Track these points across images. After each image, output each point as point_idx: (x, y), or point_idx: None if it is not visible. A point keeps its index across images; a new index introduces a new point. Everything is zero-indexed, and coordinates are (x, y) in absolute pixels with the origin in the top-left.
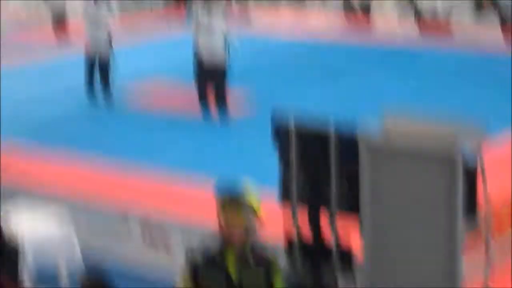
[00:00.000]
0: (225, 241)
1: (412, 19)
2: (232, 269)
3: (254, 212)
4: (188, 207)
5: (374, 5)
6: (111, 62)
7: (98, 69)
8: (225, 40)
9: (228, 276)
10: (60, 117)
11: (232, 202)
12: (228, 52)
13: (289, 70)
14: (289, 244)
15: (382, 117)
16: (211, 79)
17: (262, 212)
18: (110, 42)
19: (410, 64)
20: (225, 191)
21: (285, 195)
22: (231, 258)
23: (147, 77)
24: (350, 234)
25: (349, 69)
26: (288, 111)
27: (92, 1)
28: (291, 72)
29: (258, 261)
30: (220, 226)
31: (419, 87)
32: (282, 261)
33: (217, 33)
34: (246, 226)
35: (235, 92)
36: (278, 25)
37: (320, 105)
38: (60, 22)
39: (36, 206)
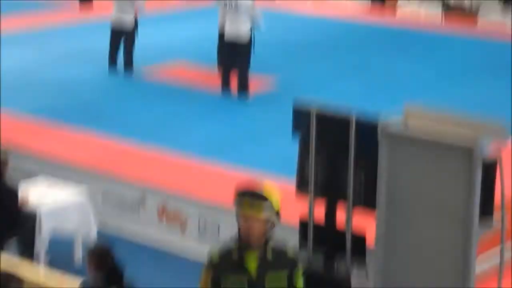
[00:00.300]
0: (244, 241)
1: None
2: (252, 268)
3: (274, 210)
4: (205, 187)
5: None
6: (135, 35)
7: (123, 40)
8: (250, 16)
9: (248, 276)
10: (78, 81)
11: (252, 202)
12: (253, 29)
13: (312, 50)
14: (303, 228)
15: (403, 106)
16: (234, 56)
17: (281, 207)
18: (135, 16)
19: (433, 49)
20: (245, 189)
21: (303, 185)
22: (251, 258)
23: (169, 59)
24: (365, 228)
25: (371, 51)
26: (310, 98)
27: None
28: (314, 51)
29: (279, 259)
30: (239, 226)
31: (441, 73)
32: (296, 246)
33: (242, 10)
34: (266, 226)
35: (257, 72)
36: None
37: (344, 91)
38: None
39: (54, 179)
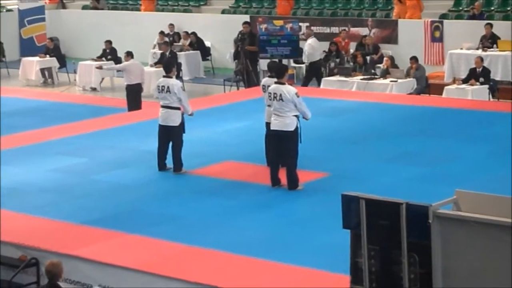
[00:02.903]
0: None
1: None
2: None
3: None
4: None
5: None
6: (182, 138)
7: (171, 142)
8: (295, 105)
9: None
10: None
11: None
12: (299, 119)
13: (359, 135)
14: None
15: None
16: (281, 146)
17: None
18: (182, 114)
19: (483, 127)
20: None
21: (357, 280)
22: None
23: (217, 159)
24: None
25: (419, 134)
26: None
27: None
28: (362, 137)
29: None
30: None
31: (492, 152)
32: None
33: (287, 99)
34: None
35: (306, 161)
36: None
37: (393, 178)
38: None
39: None
